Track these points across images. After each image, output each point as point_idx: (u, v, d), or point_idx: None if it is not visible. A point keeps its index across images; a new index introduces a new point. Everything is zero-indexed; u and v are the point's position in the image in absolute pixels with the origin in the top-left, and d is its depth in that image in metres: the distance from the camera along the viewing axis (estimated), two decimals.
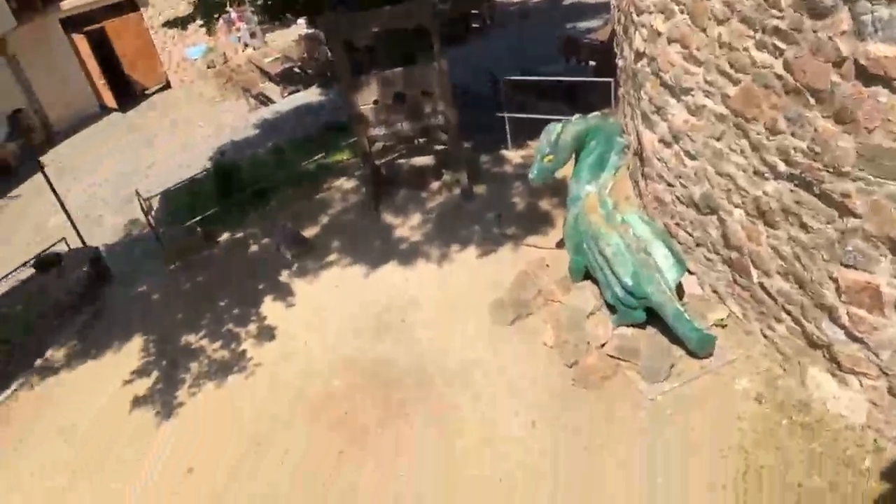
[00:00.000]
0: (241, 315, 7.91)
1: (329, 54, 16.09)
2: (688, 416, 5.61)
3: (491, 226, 8.40)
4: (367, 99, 8.79)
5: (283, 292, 8.18)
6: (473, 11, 18.13)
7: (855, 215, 4.30)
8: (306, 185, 10.24)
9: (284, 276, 8.48)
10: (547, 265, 7.33)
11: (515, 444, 5.73)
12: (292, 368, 7.05)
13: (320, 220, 9.37)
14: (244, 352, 7.39)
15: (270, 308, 7.97)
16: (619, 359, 6.10)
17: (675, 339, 5.96)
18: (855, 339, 4.75)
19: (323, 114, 13.82)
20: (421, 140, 10.02)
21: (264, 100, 16.41)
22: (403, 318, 7.36)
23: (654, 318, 6.05)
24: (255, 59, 17.88)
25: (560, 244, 7.76)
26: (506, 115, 9.71)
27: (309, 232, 9.14)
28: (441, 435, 5.96)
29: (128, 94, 18.01)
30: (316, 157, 10.74)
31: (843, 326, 4.79)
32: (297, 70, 16.83)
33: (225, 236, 9.72)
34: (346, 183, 10.17)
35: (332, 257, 8.58)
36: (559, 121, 6.28)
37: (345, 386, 6.71)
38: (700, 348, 5.85)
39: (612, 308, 6.27)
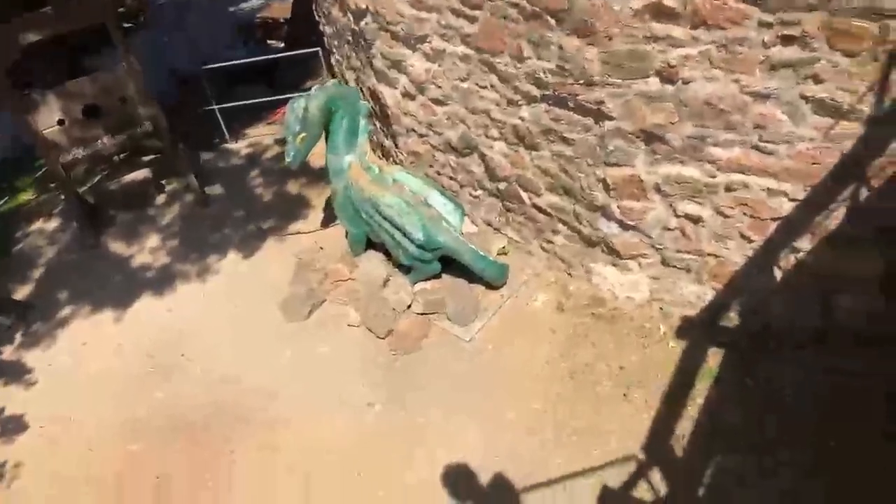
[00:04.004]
0: None
1: None
2: (506, 344, 5.88)
3: (244, 225, 7.75)
4: (50, 120, 7.37)
5: (16, 371, 6.64)
6: (121, 9, 16.26)
7: (610, 118, 4.77)
8: None
9: (8, 352, 6.88)
10: (321, 248, 7.00)
11: (359, 433, 5.46)
12: (68, 452, 5.80)
13: (31, 275, 7.74)
14: None
15: (5, 395, 6.43)
16: (428, 314, 6.13)
17: (472, 278, 6.16)
18: (628, 228, 5.35)
19: None
20: (121, 155, 8.76)
21: None
22: (182, 352, 6.48)
23: (446, 265, 6.17)
24: None
25: (325, 223, 7.48)
26: (215, 107, 8.93)
27: (21, 292, 7.51)
28: (278, 458, 5.41)
29: None
30: None
31: (616, 220, 5.36)
32: None
33: None
34: (45, 224, 8.51)
35: (66, 312, 7.17)
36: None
37: (143, 450, 5.72)
38: (497, 279, 6.12)
39: (404, 269, 6.24)
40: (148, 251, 7.71)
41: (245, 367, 6.15)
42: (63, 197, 8.17)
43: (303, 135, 5.90)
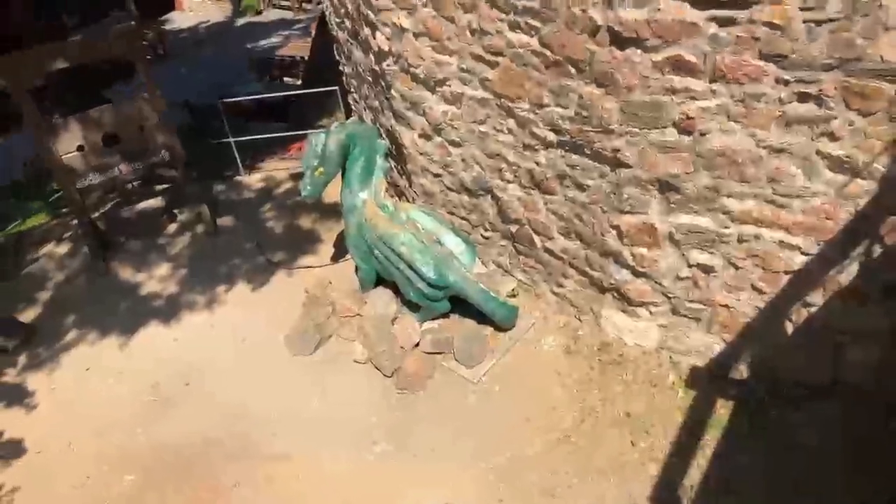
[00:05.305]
0: None
1: None
2: (513, 386, 5.85)
3: (253, 257, 7.79)
4: (69, 146, 7.47)
5: (16, 395, 6.61)
6: (143, 42, 16.63)
7: (626, 166, 4.84)
8: (3, 263, 8.39)
9: (11, 375, 6.86)
10: (330, 282, 7.01)
11: (364, 471, 5.40)
12: (63, 481, 5.72)
13: (38, 299, 7.75)
14: None
15: (6, 418, 6.38)
16: (435, 353, 6.12)
17: (481, 319, 6.16)
18: (639, 275, 5.38)
19: None
20: (136, 183, 8.85)
21: None
22: (187, 381, 6.45)
23: (455, 305, 6.17)
24: None
25: (335, 258, 7.52)
26: (231, 139, 9.06)
27: (27, 315, 7.51)
28: (283, 495, 5.35)
29: None
30: (7, 228, 8.86)
31: (628, 266, 5.39)
32: None
33: None
34: (56, 248, 8.55)
35: (70, 337, 7.16)
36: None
37: (142, 481, 5.65)
38: (507, 321, 6.12)
39: (413, 307, 6.25)
40: (157, 280, 7.73)
41: (249, 400, 6.11)
42: (76, 222, 8.22)
43: (320, 169, 5.99)
